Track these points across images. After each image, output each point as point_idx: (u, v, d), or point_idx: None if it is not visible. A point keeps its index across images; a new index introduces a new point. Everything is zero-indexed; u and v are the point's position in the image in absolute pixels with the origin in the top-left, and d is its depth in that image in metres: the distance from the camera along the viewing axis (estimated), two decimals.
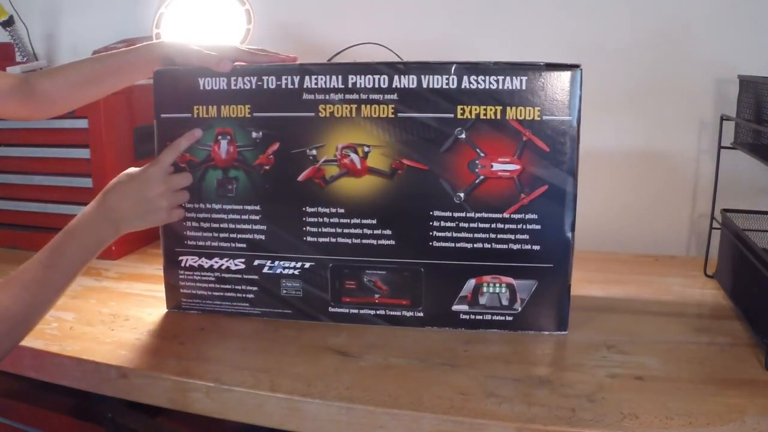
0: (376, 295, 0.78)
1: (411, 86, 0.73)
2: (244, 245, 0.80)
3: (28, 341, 0.74)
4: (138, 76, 0.80)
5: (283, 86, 0.75)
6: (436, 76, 0.72)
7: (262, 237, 0.79)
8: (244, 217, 0.79)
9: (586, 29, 1.07)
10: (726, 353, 0.71)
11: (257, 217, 0.79)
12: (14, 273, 0.65)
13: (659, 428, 0.57)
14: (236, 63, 0.77)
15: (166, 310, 0.84)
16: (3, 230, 1.11)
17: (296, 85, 0.75)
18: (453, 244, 0.75)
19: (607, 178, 1.10)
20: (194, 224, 0.81)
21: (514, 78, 0.70)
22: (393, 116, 0.73)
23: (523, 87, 0.70)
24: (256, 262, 0.80)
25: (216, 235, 0.80)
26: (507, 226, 0.73)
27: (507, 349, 0.73)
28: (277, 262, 0.79)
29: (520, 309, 0.76)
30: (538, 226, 0.73)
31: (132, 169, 0.75)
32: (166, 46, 0.79)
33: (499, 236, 0.74)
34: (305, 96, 0.75)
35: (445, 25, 1.13)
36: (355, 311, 0.79)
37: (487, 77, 0.71)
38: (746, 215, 0.88)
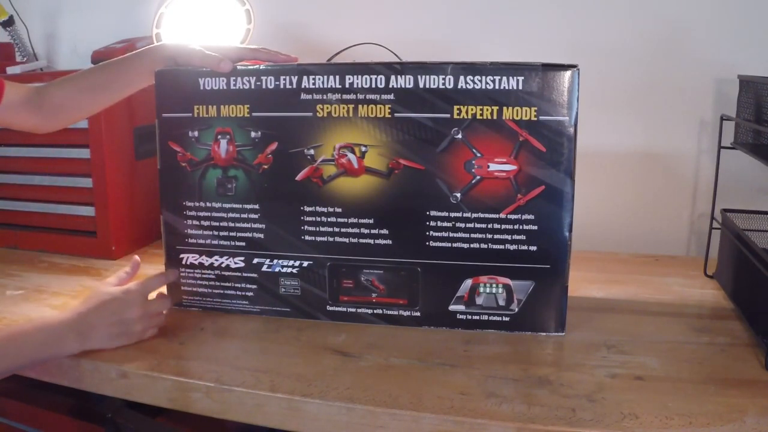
0: (374, 294, 0.78)
1: (408, 86, 0.73)
2: (243, 243, 0.80)
3: None
4: (144, 79, 0.80)
5: (282, 86, 0.76)
6: (432, 76, 0.72)
7: (261, 236, 0.79)
8: (243, 215, 0.79)
9: (586, 29, 1.07)
10: (726, 353, 0.71)
11: (256, 216, 0.79)
12: None
13: (659, 428, 0.57)
14: (239, 62, 0.78)
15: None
16: (3, 230, 1.11)
17: (294, 85, 0.75)
18: (449, 244, 0.75)
19: (608, 178, 1.10)
20: (195, 222, 0.81)
21: (510, 78, 0.70)
22: (390, 116, 0.73)
23: (520, 87, 0.70)
24: (255, 261, 0.80)
25: (216, 233, 0.81)
26: (504, 226, 0.73)
27: (507, 349, 0.73)
28: (275, 261, 0.79)
29: (517, 309, 0.75)
30: (535, 227, 0.73)
31: (112, 288, 0.74)
32: (168, 48, 0.80)
33: (496, 236, 0.74)
34: (303, 96, 0.75)
35: (444, 25, 1.13)
36: (353, 310, 0.79)
37: (484, 77, 0.71)
38: (746, 215, 0.87)
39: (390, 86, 0.73)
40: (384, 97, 0.73)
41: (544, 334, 0.76)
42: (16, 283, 0.94)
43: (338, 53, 1.06)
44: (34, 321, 0.70)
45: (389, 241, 0.76)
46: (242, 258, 0.81)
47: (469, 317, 0.77)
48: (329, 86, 0.74)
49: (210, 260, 0.82)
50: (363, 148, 0.75)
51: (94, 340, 0.71)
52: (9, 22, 1.28)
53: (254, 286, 0.81)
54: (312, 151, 0.76)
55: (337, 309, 0.79)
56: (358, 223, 0.76)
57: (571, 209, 0.72)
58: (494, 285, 0.75)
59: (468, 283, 0.76)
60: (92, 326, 0.71)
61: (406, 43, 1.06)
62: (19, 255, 1.07)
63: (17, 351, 0.67)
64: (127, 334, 0.73)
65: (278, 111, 0.76)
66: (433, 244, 0.75)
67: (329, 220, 0.77)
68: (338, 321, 0.79)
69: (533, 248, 0.74)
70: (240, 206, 0.79)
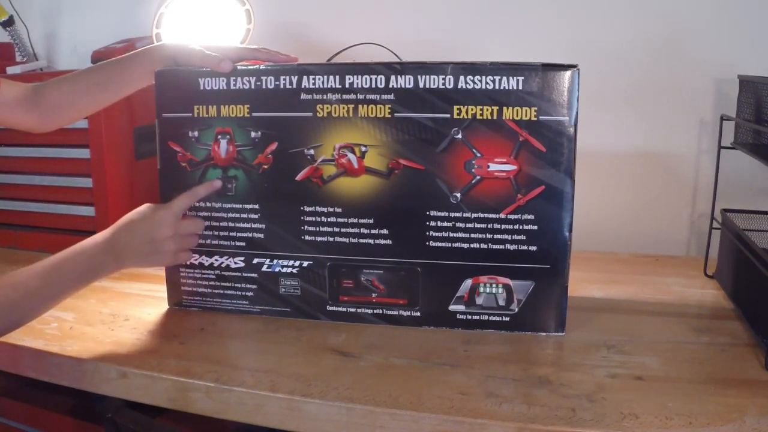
0: (374, 294, 0.78)
1: (408, 86, 0.73)
2: (244, 244, 0.80)
3: (28, 341, 0.74)
4: (143, 79, 0.80)
5: (282, 86, 0.76)
6: (432, 76, 0.72)
7: (261, 236, 0.79)
8: (243, 215, 0.79)
9: (586, 29, 1.07)
10: (726, 353, 0.71)
11: (256, 216, 0.79)
12: (8, 274, 0.66)
13: (659, 428, 0.57)
14: (239, 62, 0.78)
15: (166, 310, 0.84)
16: (3, 230, 1.11)
17: (294, 85, 0.75)
18: (449, 244, 0.75)
19: (608, 177, 1.10)
20: None
21: (510, 78, 0.70)
22: (390, 116, 0.73)
23: (520, 87, 0.70)
24: (255, 261, 0.80)
25: (216, 233, 0.81)
26: (504, 226, 0.73)
27: (507, 349, 0.73)
28: (275, 261, 0.79)
29: (517, 309, 0.75)
30: (535, 227, 0.73)
31: (146, 208, 0.75)
32: (168, 48, 0.79)
33: (496, 236, 0.74)
34: (303, 96, 0.75)
35: (444, 25, 1.14)
36: (353, 310, 0.79)
37: (484, 77, 0.71)
38: (746, 215, 0.87)
39: (390, 86, 0.73)
40: (384, 97, 0.73)
41: (544, 334, 0.76)
42: None
43: (338, 53, 1.06)
44: (70, 249, 0.70)
45: (389, 241, 0.76)
46: (242, 258, 0.81)
47: (469, 317, 0.77)
48: (329, 86, 0.74)
49: (210, 260, 0.82)
50: (363, 148, 0.75)
51: (128, 259, 0.73)
52: (9, 22, 1.28)
53: (254, 286, 0.81)
54: (312, 151, 0.76)
55: (337, 309, 0.79)
56: (358, 223, 0.76)
57: (571, 209, 0.72)
58: (494, 285, 0.75)
59: (468, 283, 0.76)
60: (125, 245, 0.72)
61: (406, 43, 1.06)
62: (19, 255, 1.07)
63: (61, 279, 0.68)
64: (160, 253, 0.74)
65: (278, 111, 0.76)
66: (433, 244, 0.75)
67: (329, 220, 0.77)
68: (338, 321, 0.79)
69: (533, 248, 0.74)
70: (240, 206, 0.79)
